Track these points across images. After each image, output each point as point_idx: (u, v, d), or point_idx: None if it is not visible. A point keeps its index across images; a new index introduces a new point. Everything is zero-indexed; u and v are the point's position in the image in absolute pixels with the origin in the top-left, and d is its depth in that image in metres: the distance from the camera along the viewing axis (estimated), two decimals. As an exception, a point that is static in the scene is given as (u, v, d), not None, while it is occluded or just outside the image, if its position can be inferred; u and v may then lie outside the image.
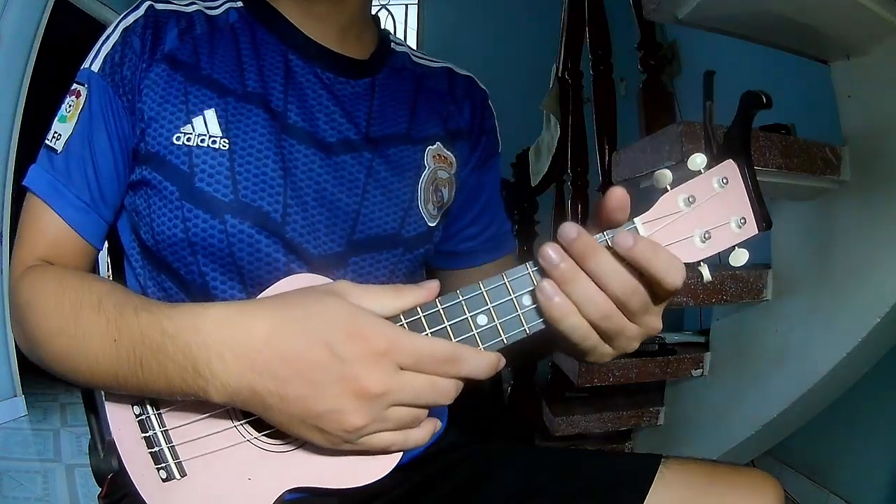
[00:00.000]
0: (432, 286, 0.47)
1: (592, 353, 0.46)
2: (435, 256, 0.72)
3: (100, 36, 0.60)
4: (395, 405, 0.44)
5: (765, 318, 1.26)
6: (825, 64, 1.14)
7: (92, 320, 0.48)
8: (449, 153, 0.67)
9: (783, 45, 1.17)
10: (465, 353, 0.44)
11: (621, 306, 0.43)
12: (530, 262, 0.45)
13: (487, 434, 0.74)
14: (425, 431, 0.47)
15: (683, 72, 2.72)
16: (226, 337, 0.43)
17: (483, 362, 0.45)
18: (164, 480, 0.50)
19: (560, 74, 2.10)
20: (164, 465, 0.50)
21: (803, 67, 1.23)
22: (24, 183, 0.57)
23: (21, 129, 2.57)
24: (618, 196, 0.42)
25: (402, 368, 0.43)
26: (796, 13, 1.00)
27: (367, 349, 0.42)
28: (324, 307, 0.44)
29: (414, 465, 0.64)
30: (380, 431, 0.44)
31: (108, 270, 0.72)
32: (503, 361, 0.46)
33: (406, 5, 3.99)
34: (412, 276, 0.66)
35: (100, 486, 0.64)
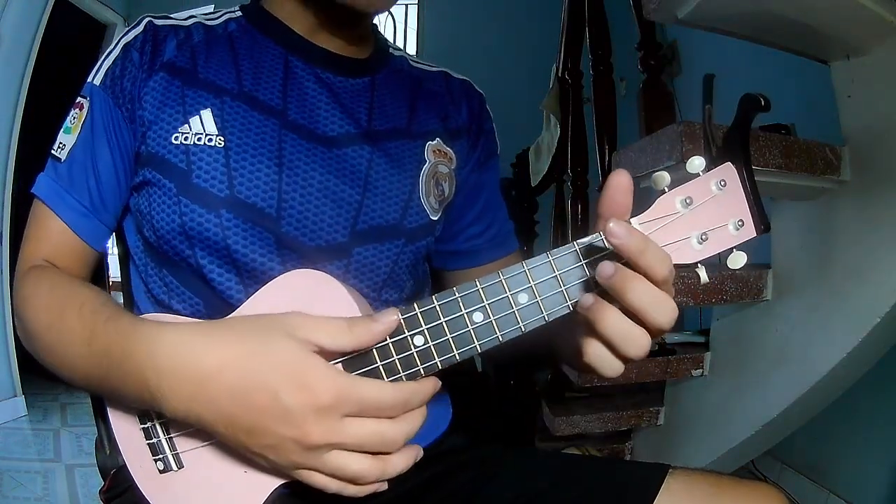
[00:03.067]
0: (390, 319, 0.44)
1: (605, 359, 0.44)
2: (439, 256, 0.74)
3: (99, 42, 0.63)
4: (337, 450, 0.44)
5: (765, 318, 1.26)
6: (825, 64, 1.14)
7: (73, 322, 0.50)
8: (449, 149, 0.69)
9: (783, 45, 1.17)
10: (409, 393, 0.44)
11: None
12: (527, 261, 0.45)
13: (493, 437, 0.73)
14: (365, 489, 0.46)
15: (683, 72, 2.72)
16: (176, 366, 0.44)
17: (424, 395, 0.45)
18: (161, 472, 0.51)
19: (560, 74, 2.10)
20: (161, 456, 0.51)
21: (803, 67, 1.23)
22: (31, 190, 0.61)
23: (21, 128, 2.57)
24: (620, 180, 0.42)
25: (346, 416, 0.43)
26: (796, 13, 1.00)
27: (313, 402, 0.42)
28: (274, 348, 0.43)
29: (414, 466, 0.64)
30: (319, 472, 0.44)
31: (110, 271, 0.74)
32: (439, 384, 0.46)
33: (406, 5, 3.99)
34: (414, 268, 0.67)
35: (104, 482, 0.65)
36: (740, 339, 1.34)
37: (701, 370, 1.41)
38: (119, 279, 0.72)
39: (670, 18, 1.10)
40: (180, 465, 0.51)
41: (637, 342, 0.41)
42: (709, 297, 1.23)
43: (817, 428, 1.40)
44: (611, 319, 0.41)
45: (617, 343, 0.42)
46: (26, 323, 0.55)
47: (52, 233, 0.60)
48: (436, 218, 0.66)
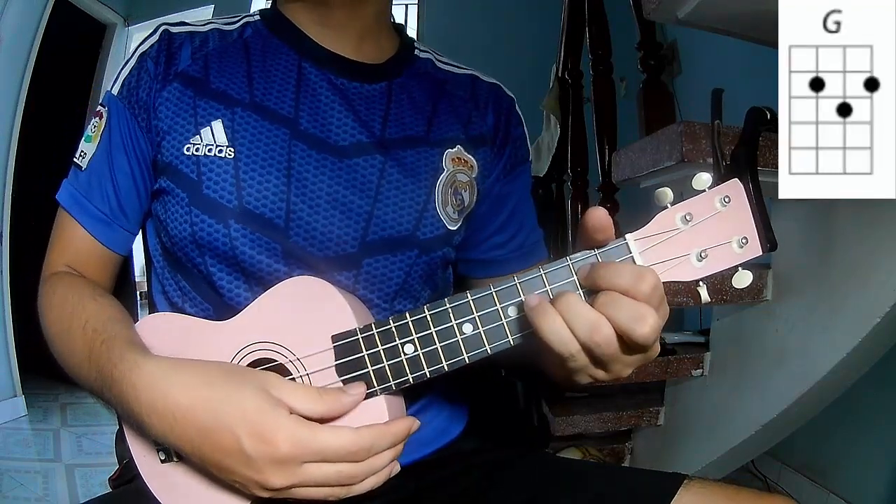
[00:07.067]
0: (359, 391, 0.47)
1: (580, 374, 0.45)
2: (465, 264, 0.73)
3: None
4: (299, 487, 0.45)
5: (765, 318, 1.26)
6: (825, 64, 1.14)
7: (77, 337, 0.53)
8: (470, 157, 0.67)
9: (783, 45, 1.17)
10: (374, 439, 0.45)
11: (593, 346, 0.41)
12: (518, 274, 0.45)
13: (515, 442, 0.73)
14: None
15: (683, 72, 2.73)
16: (153, 399, 0.46)
17: (394, 437, 0.46)
18: (162, 461, 0.52)
19: (560, 74, 2.11)
20: (163, 446, 0.52)
21: (803, 67, 1.23)
22: (55, 196, 0.63)
23: (21, 129, 2.57)
24: (598, 216, 0.42)
25: (307, 462, 0.44)
26: (796, 13, 0.99)
27: (271, 453, 0.43)
28: (240, 397, 0.45)
29: (419, 469, 0.64)
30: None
31: (139, 273, 0.77)
32: (416, 424, 0.48)
33: (406, 5, 3.99)
34: (430, 279, 0.66)
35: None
36: (740, 339, 1.34)
37: (701, 370, 1.41)
38: (143, 279, 0.74)
39: (670, 18, 1.09)
40: (181, 457, 0.51)
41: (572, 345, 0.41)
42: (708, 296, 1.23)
43: (817, 428, 1.40)
44: (547, 322, 0.41)
45: (555, 345, 0.41)
46: (44, 329, 0.58)
47: (75, 239, 0.62)
48: (454, 228, 0.65)
